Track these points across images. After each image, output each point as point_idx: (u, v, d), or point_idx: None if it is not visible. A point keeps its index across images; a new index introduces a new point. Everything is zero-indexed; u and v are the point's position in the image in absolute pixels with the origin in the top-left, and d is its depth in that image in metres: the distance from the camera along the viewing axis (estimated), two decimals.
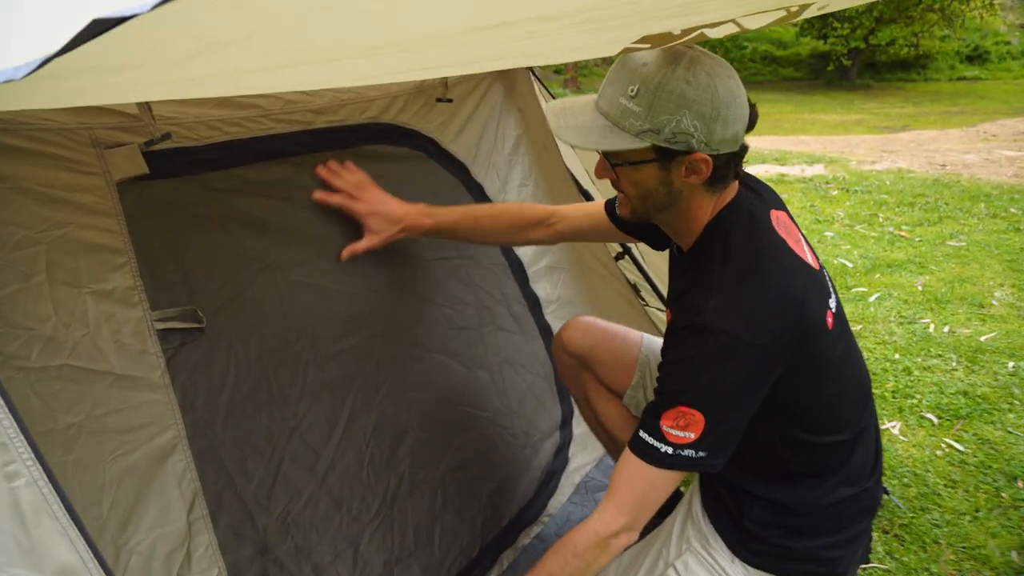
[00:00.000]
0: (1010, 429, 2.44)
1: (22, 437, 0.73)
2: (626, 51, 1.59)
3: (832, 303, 1.21)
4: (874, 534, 1.91)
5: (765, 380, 1.12)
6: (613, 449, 1.74)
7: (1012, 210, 5.32)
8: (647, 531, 1.35)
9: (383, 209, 1.49)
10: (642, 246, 1.71)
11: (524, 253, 1.96)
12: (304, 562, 1.33)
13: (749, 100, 1.12)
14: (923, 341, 3.14)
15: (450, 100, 1.74)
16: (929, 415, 2.54)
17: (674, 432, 1.10)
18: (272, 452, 1.31)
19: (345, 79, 1.21)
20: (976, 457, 2.28)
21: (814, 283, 1.17)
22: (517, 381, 1.89)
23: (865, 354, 3.02)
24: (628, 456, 1.15)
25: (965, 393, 2.67)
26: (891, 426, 2.48)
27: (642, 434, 1.14)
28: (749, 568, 1.26)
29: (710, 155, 1.08)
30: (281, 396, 1.34)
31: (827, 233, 4.93)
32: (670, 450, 1.10)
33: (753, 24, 1.52)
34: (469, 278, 1.80)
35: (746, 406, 1.12)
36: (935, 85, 18.15)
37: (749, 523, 1.25)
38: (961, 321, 3.36)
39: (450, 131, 1.78)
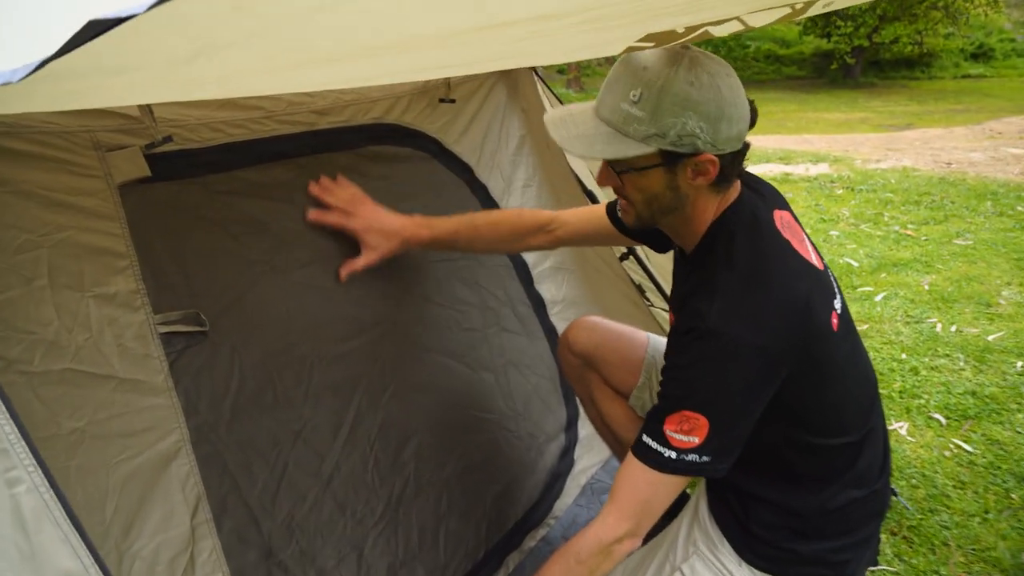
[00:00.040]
0: (1019, 429, 2.42)
1: (23, 443, 0.73)
2: (629, 50, 1.58)
3: (837, 304, 1.20)
4: (882, 536, 1.89)
5: (770, 383, 1.10)
6: (619, 450, 1.73)
7: (1019, 208, 5.30)
8: (653, 533, 1.34)
9: (379, 224, 1.47)
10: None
11: (528, 254, 1.95)
12: (308, 566, 1.32)
13: (748, 97, 1.11)
14: (930, 341, 3.12)
15: (453, 101, 1.73)
16: (937, 415, 2.53)
17: (678, 436, 1.09)
18: (276, 456, 1.30)
19: (347, 80, 1.21)
20: (985, 458, 2.26)
21: (819, 284, 1.16)
22: (522, 383, 1.88)
23: (871, 354, 3.00)
24: (631, 461, 1.14)
25: (973, 393, 2.66)
26: (898, 427, 2.47)
27: (645, 438, 1.12)
28: (756, 572, 1.25)
29: (716, 155, 1.07)
30: (285, 399, 1.33)
31: (832, 232, 4.91)
32: (674, 455, 1.09)
33: (757, 22, 1.51)
34: (473, 279, 1.79)
35: (751, 410, 1.11)
36: (939, 83, 18.09)
37: (756, 526, 1.24)
38: (968, 320, 3.34)
39: (454, 131, 1.77)
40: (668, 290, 2.31)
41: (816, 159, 7.79)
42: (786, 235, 1.18)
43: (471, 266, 1.79)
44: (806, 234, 1.28)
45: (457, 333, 1.72)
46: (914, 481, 2.17)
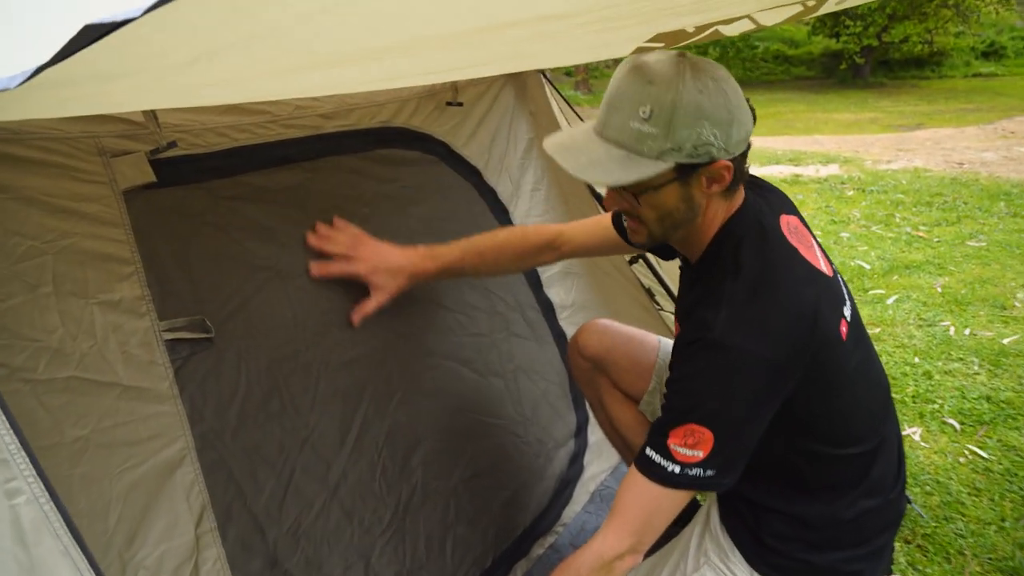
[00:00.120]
0: None
1: (23, 453, 0.72)
2: (639, 51, 1.56)
3: (847, 311, 1.17)
4: (896, 544, 1.86)
5: (777, 395, 1.08)
6: (628, 456, 1.71)
7: None
8: (663, 540, 1.32)
9: (384, 263, 1.44)
10: None
11: None
12: (315, 575, 1.31)
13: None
14: (943, 344, 3.08)
15: (460, 104, 1.72)
16: (951, 421, 2.49)
17: (682, 451, 1.06)
18: (283, 463, 1.29)
19: (351, 84, 1.20)
20: (1001, 464, 2.23)
21: (827, 292, 1.13)
22: (531, 388, 1.86)
23: (884, 358, 2.97)
24: (633, 475, 1.12)
25: (988, 398, 2.62)
26: (912, 432, 2.44)
27: (649, 452, 1.10)
28: None
29: (729, 160, 1.05)
30: (292, 406, 1.32)
31: (843, 234, 4.87)
32: (677, 469, 1.07)
33: (769, 20, 1.49)
34: (482, 284, 1.78)
35: (757, 422, 1.09)
36: (950, 82, 17.95)
37: (768, 537, 1.22)
38: (983, 323, 3.30)
39: (462, 134, 1.76)
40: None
41: (826, 160, 7.73)
42: (793, 241, 1.15)
43: None
44: (815, 238, 1.25)
45: (465, 338, 1.71)
46: (928, 488, 2.14)
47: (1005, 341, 3.08)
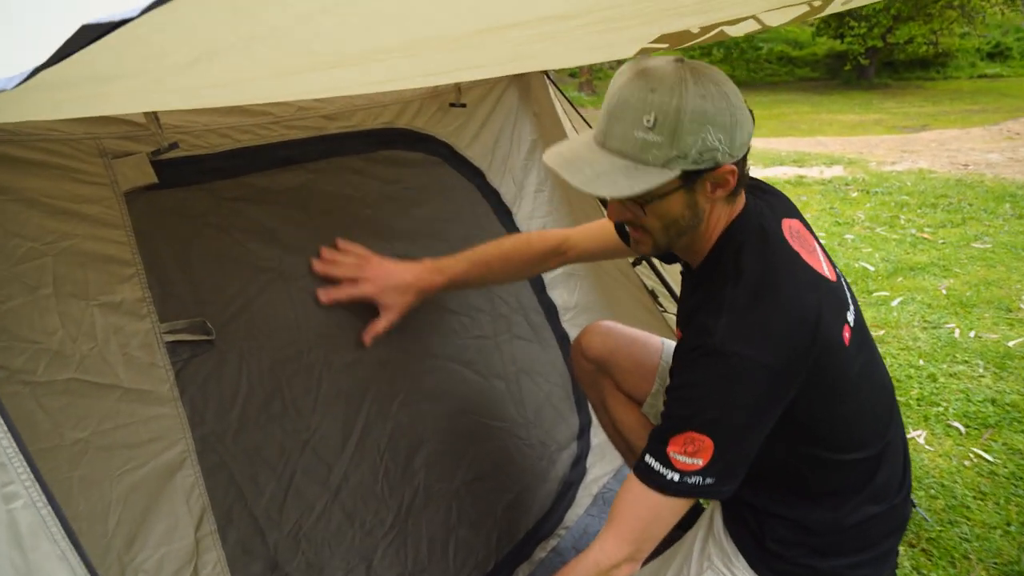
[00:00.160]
0: None
1: (21, 457, 0.71)
2: (643, 51, 1.56)
3: (850, 316, 1.16)
4: (900, 548, 1.85)
5: (778, 402, 1.07)
6: (631, 459, 1.70)
7: None
8: (668, 543, 1.32)
9: (391, 282, 1.43)
10: None
11: None
12: None
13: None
14: (948, 346, 3.07)
15: (463, 105, 1.71)
16: (956, 423, 2.48)
17: (681, 459, 1.05)
18: (284, 465, 1.29)
19: (352, 86, 1.19)
20: (1006, 468, 2.21)
21: (830, 297, 1.12)
22: (534, 390, 1.85)
23: (888, 360, 2.95)
24: (632, 482, 1.11)
25: (993, 401, 2.60)
26: (916, 435, 2.42)
27: (648, 459, 1.09)
28: None
29: (733, 164, 1.04)
30: (294, 408, 1.31)
31: (847, 236, 4.86)
32: (676, 477, 1.06)
33: (774, 21, 1.48)
34: None
35: (758, 430, 1.08)
36: (955, 83, 17.89)
37: (771, 542, 1.21)
38: (988, 326, 3.28)
39: (465, 136, 1.75)
40: None
41: (830, 161, 7.71)
42: (795, 246, 1.14)
43: None
44: (818, 242, 1.24)
45: (468, 340, 1.70)
46: (933, 491, 2.12)
47: (1010, 343, 3.06)
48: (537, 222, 1.93)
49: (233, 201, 1.28)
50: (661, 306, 2.35)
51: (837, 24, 18.32)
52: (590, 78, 17.52)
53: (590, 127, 1.09)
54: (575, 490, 1.93)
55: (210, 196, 1.25)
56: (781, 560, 1.21)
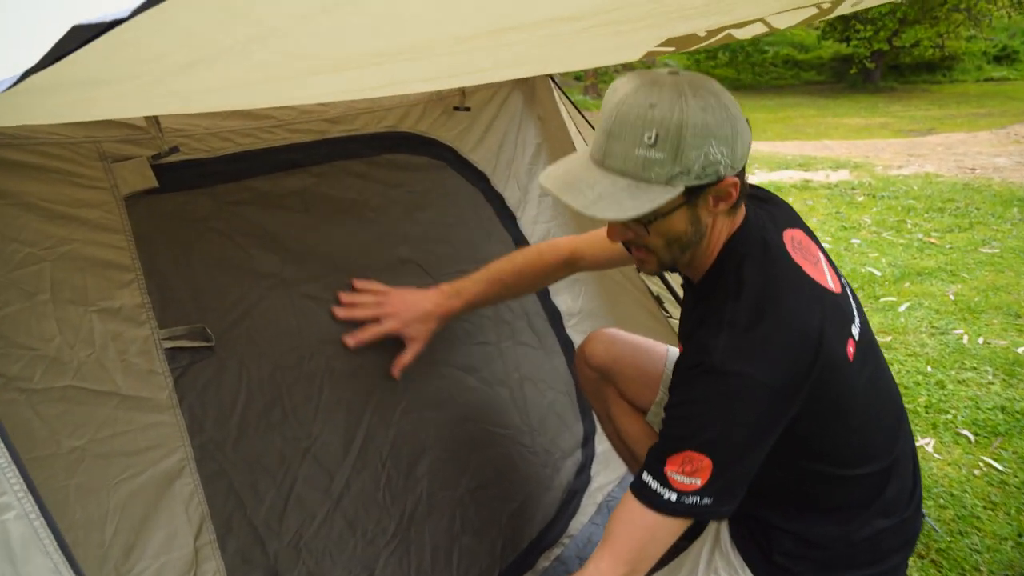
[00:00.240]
0: None
1: (14, 467, 0.69)
2: (649, 55, 1.54)
3: (855, 329, 1.14)
4: (909, 560, 1.82)
5: (779, 421, 1.05)
6: (635, 468, 1.68)
7: None
8: (674, 553, 1.29)
9: (412, 313, 1.44)
10: None
11: None
12: None
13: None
14: (956, 353, 3.04)
15: (467, 109, 1.70)
16: (965, 432, 2.45)
17: (679, 478, 1.03)
18: (284, 474, 1.27)
19: (354, 91, 1.17)
20: (1017, 477, 2.18)
21: (834, 311, 1.10)
22: (538, 398, 1.84)
23: (896, 367, 2.92)
24: (629, 500, 1.08)
25: (1003, 408, 2.57)
26: (925, 443, 2.39)
27: (645, 477, 1.06)
28: None
29: (735, 176, 1.02)
30: (295, 415, 1.30)
31: (854, 240, 4.82)
32: (674, 497, 1.03)
33: (782, 23, 1.47)
34: None
35: (757, 450, 1.06)
36: (961, 87, 17.83)
37: (778, 556, 1.18)
38: (996, 332, 3.25)
39: (470, 140, 1.74)
40: None
41: (836, 165, 7.68)
42: (797, 258, 1.12)
43: None
44: (822, 251, 1.22)
45: (471, 347, 1.68)
46: (942, 501, 2.09)
47: (1020, 350, 3.02)
48: (542, 227, 1.92)
49: (234, 205, 1.27)
50: (666, 312, 2.33)
51: (843, 27, 18.29)
52: (595, 81, 17.50)
53: (595, 130, 1.07)
54: (579, 498, 1.91)
55: (211, 200, 1.24)
56: (788, 573, 1.19)
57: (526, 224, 1.87)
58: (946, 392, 2.72)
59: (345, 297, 1.41)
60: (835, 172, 7.32)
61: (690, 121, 0.95)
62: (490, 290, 1.53)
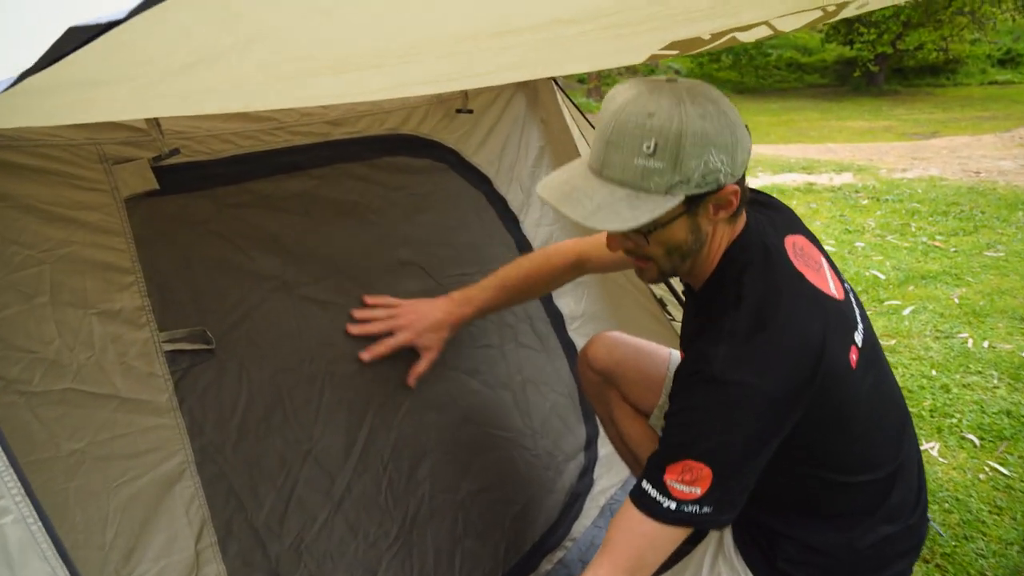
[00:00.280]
0: None
1: (12, 471, 0.69)
2: (652, 58, 1.53)
3: (858, 337, 1.13)
4: (914, 565, 1.81)
5: (779, 430, 1.04)
6: (638, 471, 1.67)
7: None
8: (677, 558, 1.29)
9: (424, 324, 1.45)
10: None
11: None
12: None
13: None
14: (961, 356, 3.02)
15: (470, 111, 1.69)
16: (970, 436, 2.43)
17: (679, 487, 1.02)
18: (285, 476, 1.26)
19: (355, 93, 1.17)
20: (1023, 481, 2.17)
21: (836, 319, 1.09)
22: (540, 400, 1.83)
23: (900, 370, 2.91)
24: (628, 507, 1.07)
25: (1008, 412, 2.56)
26: (929, 447, 2.38)
27: (644, 485, 1.05)
28: None
29: (735, 183, 1.02)
30: (295, 418, 1.29)
31: (858, 244, 4.81)
32: (673, 505, 1.02)
33: (787, 26, 1.46)
34: None
35: (758, 459, 1.04)
36: (965, 90, 17.79)
37: (782, 562, 1.17)
38: (1002, 336, 3.23)
39: (472, 142, 1.73)
40: None
41: (840, 168, 7.67)
42: (799, 265, 1.11)
43: None
44: (824, 256, 1.21)
45: (473, 349, 1.68)
46: (947, 505, 2.08)
47: None
48: (544, 229, 1.91)
49: (235, 208, 1.27)
50: (669, 315, 2.32)
51: (846, 30, 18.28)
52: (599, 84, 17.50)
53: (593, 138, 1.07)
54: (582, 501, 1.90)
55: (212, 202, 1.23)
56: None
57: (529, 227, 1.87)
58: (951, 396, 2.70)
59: (358, 313, 1.42)
60: (839, 175, 7.30)
61: (689, 129, 0.94)
62: (499, 296, 1.54)
